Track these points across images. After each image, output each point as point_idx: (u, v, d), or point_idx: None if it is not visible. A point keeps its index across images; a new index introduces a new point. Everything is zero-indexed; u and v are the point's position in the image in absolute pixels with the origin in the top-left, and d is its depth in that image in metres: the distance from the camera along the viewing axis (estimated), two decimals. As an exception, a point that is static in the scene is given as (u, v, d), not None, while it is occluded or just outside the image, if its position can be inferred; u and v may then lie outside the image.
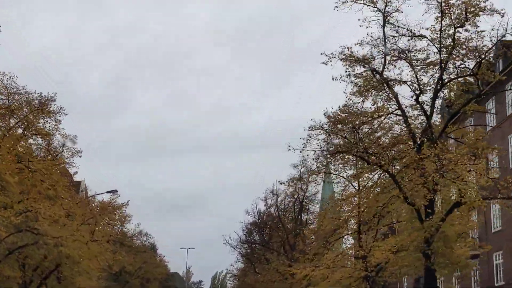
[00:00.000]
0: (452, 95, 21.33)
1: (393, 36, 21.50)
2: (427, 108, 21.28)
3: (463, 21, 20.38)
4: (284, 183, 19.32)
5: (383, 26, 21.32)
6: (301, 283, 42.60)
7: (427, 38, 21.01)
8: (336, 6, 20.37)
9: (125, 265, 68.11)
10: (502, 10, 20.04)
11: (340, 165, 28.85)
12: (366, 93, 20.95)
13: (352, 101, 20.59)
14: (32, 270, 38.30)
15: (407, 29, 21.11)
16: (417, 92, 21.08)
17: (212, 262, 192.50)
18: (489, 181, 19.64)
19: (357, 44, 20.62)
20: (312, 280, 39.05)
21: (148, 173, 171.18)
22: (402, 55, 20.89)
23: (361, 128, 20.96)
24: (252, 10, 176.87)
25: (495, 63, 25.39)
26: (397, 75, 20.93)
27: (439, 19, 20.67)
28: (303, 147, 19.14)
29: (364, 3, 20.74)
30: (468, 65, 20.98)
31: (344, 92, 21.18)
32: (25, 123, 32.43)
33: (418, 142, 20.26)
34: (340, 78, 21.03)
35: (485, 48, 20.33)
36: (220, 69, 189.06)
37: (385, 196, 20.38)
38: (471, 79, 21.03)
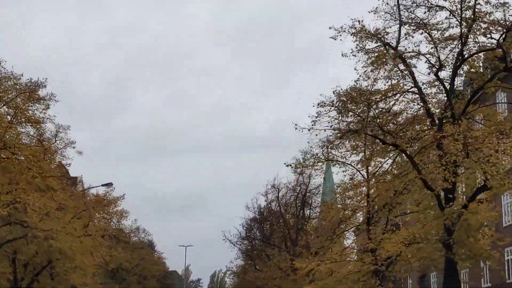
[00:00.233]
0: (473, 72, 19.47)
1: (408, 9, 19.67)
2: (446, 85, 19.44)
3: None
4: (290, 166, 17.42)
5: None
6: (304, 279, 40.87)
7: (446, 8, 19.18)
8: None
9: (122, 262, 66.73)
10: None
11: (349, 151, 27.17)
12: (379, 69, 19.05)
13: (366, 75, 18.62)
14: (23, 266, 36.60)
15: (424, -1, 19.29)
16: (437, 67, 19.21)
17: (212, 262, 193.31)
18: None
19: (371, 11, 18.75)
20: (317, 275, 37.33)
21: (148, 173, 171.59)
22: (419, 25, 19.01)
23: (374, 107, 19.09)
24: (252, 10, 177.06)
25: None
26: (415, 46, 19.03)
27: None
28: (312, 125, 17.28)
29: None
30: (489, 38, 19.14)
31: (355, 69, 19.35)
32: (13, 109, 30.62)
33: (437, 121, 18.38)
34: (351, 53, 19.18)
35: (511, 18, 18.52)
36: (220, 69, 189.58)
37: (400, 181, 18.48)
38: (494, 54, 19.16)
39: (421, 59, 19.82)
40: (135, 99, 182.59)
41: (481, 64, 19.80)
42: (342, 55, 19.70)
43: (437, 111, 18.92)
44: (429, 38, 18.95)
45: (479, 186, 18.12)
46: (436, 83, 19.51)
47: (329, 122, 17.61)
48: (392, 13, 19.11)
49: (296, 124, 17.31)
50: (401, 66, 19.51)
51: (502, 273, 28.22)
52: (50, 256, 35.50)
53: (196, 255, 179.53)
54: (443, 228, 18.20)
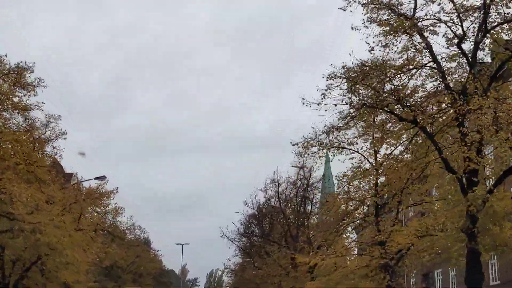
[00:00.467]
0: (497, 45, 17.64)
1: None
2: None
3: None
4: (297, 144, 15.56)
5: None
6: (306, 276, 39.11)
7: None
8: None
9: (117, 259, 64.90)
10: None
11: (355, 137, 25.37)
12: (393, 41, 17.21)
13: (379, 46, 16.69)
14: (11, 261, 34.73)
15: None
16: (459, 36, 17.35)
17: (212, 262, 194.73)
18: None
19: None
20: (319, 271, 35.54)
21: (148, 173, 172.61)
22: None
23: (388, 83, 17.19)
24: (252, 10, 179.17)
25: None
26: (436, 13, 17.12)
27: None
28: (322, 99, 15.38)
29: None
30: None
31: (367, 43, 17.47)
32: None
33: (458, 97, 16.53)
34: (362, 23, 17.31)
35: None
36: (220, 69, 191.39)
37: (417, 163, 16.58)
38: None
39: (438, 33, 17.99)
40: (135, 99, 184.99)
41: (505, 37, 17.96)
42: (352, 28, 17.87)
43: (457, 87, 17.07)
44: (451, 4, 17.04)
45: (508, 168, 16.31)
46: (456, 57, 17.67)
47: (340, 95, 15.73)
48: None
49: (303, 99, 15.48)
50: (418, 39, 17.70)
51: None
52: (38, 251, 33.63)
53: (196, 255, 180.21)
54: (466, 216, 16.37)
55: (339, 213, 25.62)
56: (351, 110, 15.44)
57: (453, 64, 17.61)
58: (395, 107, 15.34)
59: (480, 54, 17.89)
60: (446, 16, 17.10)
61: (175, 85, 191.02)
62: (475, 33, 17.85)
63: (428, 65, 17.74)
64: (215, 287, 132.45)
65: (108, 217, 61.67)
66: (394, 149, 19.76)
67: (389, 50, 17.40)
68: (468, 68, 17.31)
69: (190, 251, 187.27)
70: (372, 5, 18.23)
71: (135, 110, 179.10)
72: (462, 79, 17.36)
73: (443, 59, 17.55)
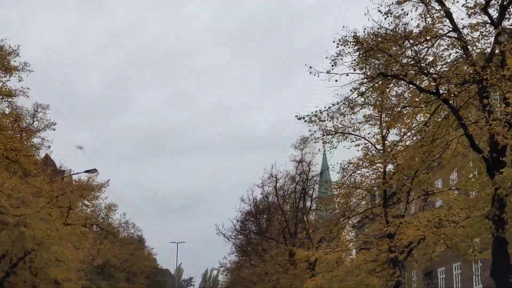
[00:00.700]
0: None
1: None
2: (491, 30, 15.85)
3: None
4: (303, 118, 13.76)
5: None
6: (307, 273, 37.37)
7: None
8: None
9: (109, 257, 63.18)
10: None
11: (361, 122, 23.64)
12: (407, 8, 15.36)
13: (393, 15, 14.80)
14: (-1, 257, 32.89)
15: None
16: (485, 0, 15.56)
17: (212, 262, 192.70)
18: None
19: None
20: (320, 268, 33.81)
21: (148, 173, 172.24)
22: None
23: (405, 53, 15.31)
24: (252, 10, 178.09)
25: None
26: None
27: None
28: (332, 67, 13.48)
29: None
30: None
31: (379, 11, 15.61)
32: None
33: (480, 70, 14.73)
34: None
35: None
36: (220, 69, 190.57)
37: (437, 144, 14.73)
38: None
39: (458, 1, 16.20)
40: (135, 99, 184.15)
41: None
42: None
43: (480, 58, 15.26)
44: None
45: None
46: (479, 27, 15.87)
47: (352, 62, 13.79)
48: None
49: (310, 67, 13.60)
50: (436, 6, 15.91)
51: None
52: (25, 246, 31.78)
53: (196, 255, 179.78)
54: (493, 201, 14.60)
55: (344, 204, 23.83)
56: (365, 80, 13.66)
57: (476, 34, 15.82)
58: (415, 76, 13.53)
59: (505, 23, 16.10)
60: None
61: (175, 85, 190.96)
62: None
63: (448, 34, 15.95)
64: (210, 287, 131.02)
65: (101, 213, 60.59)
66: (406, 133, 17.96)
67: (402, 21, 15.51)
68: (493, 37, 15.52)
69: (190, 251, 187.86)
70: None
71: (135, 110, 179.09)
72: (487, 49, 15.58)
73: (465, 28, 15.75)
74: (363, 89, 14.25)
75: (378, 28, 15.38)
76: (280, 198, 50.96)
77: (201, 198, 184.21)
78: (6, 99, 30.28)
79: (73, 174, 43.56)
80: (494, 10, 16.22)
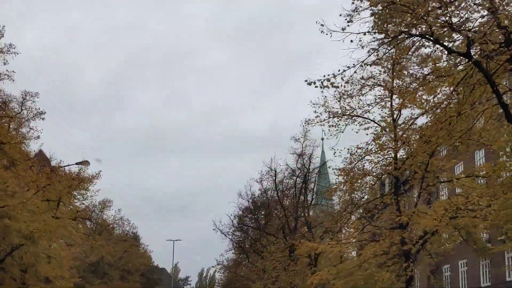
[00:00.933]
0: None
1: None
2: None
3: None
4: (314, 83, 12.03)
5: None
6: (307, 270, 35.66)
7: None
8: None
9: (104, 254, 61.56)
10: None
11: (371, 104, 21.91)
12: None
13: None
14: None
15: None
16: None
17: (211, 261, 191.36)
18: None
19: None
20: (321, 265, 32.10)
21: (148, 173, 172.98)
22: None
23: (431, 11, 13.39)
24: (252, 10, 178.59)
25: None
26: None
27: None
28: (348, 22, 11.60)
29: None
30: None
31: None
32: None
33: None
34: None
35: None
36: (220, 69, 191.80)
37: (466, 115, 12.83)
38: None
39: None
40: (135, 99, 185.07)
41: None
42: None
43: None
44: None
45: None
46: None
47: (367, 20, 11.91)
48: None
49: (322, 25, 11.79)
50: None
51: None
52: (11, 240, 29.96)
53: (197, 255, 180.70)
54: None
55: (351, 191, 22.03)
56: (385, 40, 11.89)
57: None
58: (443, 34, 11.70)
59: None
60: None
61: (175, 85, 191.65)
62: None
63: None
64: (207, 286, 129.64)
65: (95, 209, 58.86)
66: (425, 108, 16.16)
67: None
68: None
69: (190, 251, 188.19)
70: None
71: (135, 110, 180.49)
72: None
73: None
74: (380, 53, 12.47)
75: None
76: (280, 192, 49.17)
77: (201, 198, 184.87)
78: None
79: (64, 166, 41.79)
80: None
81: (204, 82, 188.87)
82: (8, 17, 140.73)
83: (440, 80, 12.95)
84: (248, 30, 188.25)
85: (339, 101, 21.27)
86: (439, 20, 11.39)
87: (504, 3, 14.15)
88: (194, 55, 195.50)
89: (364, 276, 21.60)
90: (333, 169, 22.70)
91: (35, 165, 32.18)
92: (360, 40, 12.38)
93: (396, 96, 21.25)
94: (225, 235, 57.68)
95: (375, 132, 21.36)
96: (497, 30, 13.54)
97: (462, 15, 12.86)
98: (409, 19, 11.48)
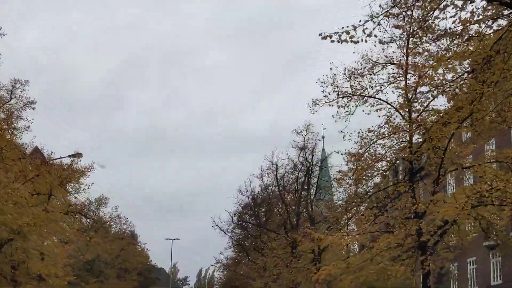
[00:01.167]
0: None
1: None
2: None
3: None
4: (330, 36, 10.41)
5: None
6: (310, 267, 34.02)
7: None
8: None
9: (100, 252, 59.84)
10: None
11: (382, 84, 20.22)
12: None
13: None
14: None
15: None
16: None
17: (210, 261, 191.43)
18: None
19: None
20: (326, 261, 30.44)
21: (149, 173, 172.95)
22: None
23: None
24: (252, 10, 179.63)
25: None
26: None
27: None
28: None
29: None
30: None
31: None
32: None
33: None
34: None
35: None
36: (220, 69, 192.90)
37: (503, 85, 11.08)
38: None
39: None
40: (135, 99, 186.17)
41: None
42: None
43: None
44: None
45: None
46: None
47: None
48: None
49: None
50: None
51: None
52: (-1, 235, 28.27)
53: (196, 255, 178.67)
54: None
55: (362, 178, 20.29)
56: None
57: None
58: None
59: None
60: None
61: (175, 85, 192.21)
62: None
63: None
64: (206, 286, 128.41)
65: (91, 206, 57.16)
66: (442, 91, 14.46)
67: None
68: None
69: (189, 251, 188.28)
70: None
71: (135, 110, 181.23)
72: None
73: None
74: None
75: None
76: (281, 187, 47.49)
77: (200, 198, 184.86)
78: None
79: (56, 158, 40.08)
80: None
81: (204, 82, 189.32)
82: (8, 17, 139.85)
83: (469, 43, 11.16)
84: (248, 30, 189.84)
85: (349, 80, 19.59)
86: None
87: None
88: (194, 55, 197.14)
89: (376, 270, 19.88)
90: (342, 154, 20.95)
91: (27, 158, 30.60)
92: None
93: (411, 74, 19.64)
94: (224, 232, 56.18)
95: (388, 114, 19.68)
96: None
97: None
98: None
